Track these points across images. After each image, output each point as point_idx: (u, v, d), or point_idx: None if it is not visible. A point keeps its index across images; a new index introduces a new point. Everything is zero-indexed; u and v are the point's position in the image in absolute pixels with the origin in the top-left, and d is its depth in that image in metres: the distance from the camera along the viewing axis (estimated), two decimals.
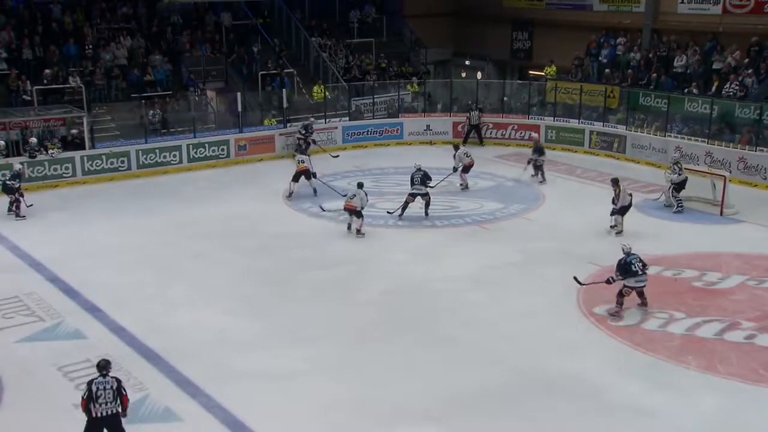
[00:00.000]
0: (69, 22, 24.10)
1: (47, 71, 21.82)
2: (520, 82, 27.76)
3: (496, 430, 9.31)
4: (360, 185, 16.50)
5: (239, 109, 22.58)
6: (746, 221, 16.88)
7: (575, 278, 12.99)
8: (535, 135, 23.55)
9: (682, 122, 21.96)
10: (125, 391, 8.50)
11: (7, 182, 17.21)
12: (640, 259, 12.25)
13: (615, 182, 16.48)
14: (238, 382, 10.29)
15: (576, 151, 23.11)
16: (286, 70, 25.40)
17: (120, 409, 8.40)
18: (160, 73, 23.89)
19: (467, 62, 31.99)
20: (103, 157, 20.47)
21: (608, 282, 12.35)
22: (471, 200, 18.60)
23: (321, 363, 10.89)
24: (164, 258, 14.79)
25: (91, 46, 23.63)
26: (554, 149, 23.15)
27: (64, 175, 19.88)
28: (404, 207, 17.20)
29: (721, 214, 17.18)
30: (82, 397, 8.38)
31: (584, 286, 12.91)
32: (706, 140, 20.79)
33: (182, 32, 25.80)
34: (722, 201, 17.28)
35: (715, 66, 22.96)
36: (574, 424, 9.45)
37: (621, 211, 16.14)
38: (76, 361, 10.80)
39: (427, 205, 17.32)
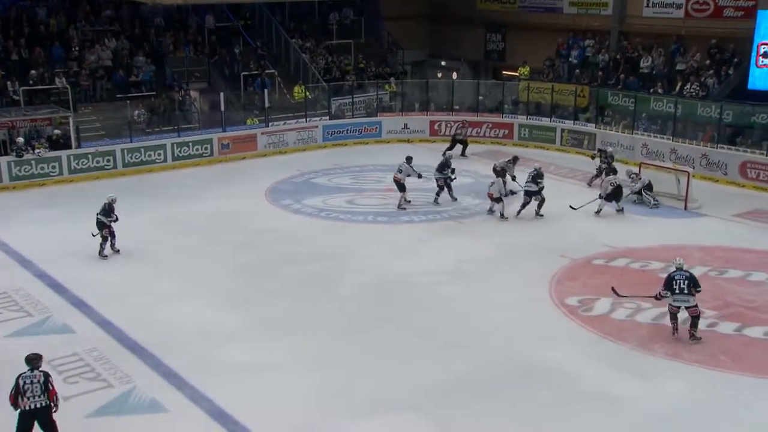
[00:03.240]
0: (54, 24, 23.79)
1: (33, 72, 21.53)
2: (494, 82, 27.83)
3: (475, 418, 9.34)
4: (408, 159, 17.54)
5: (222, 108, 22.44)
6: (709, 215, 17.10)
7: (613, 289, 12.26)
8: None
9: (649, 120, 22.17)
10: (53, 385, 8.36)
11: (99, 216, 14.42)
12: (687, 278, 11.00)
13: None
14: (222, 374, 10.24)
15: (548, 149, 23.23)
16: (267, 71, 25.27)
17: (48, 403, 8.27)
18: (145, 74, 23.67)
19: (443, 63, 32.00)
20: (89, 156, 20.24)
21: (656, 298, 11.41)
22: (448, 196, 18.62)
23: (303, 354, 10.86)
24: (150, 254, 14.67)
25: (76, 48, 23.36)
26: (527, 147, 23.35)
27: (51, 173, 19.64)
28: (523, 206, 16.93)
29: (686, 208, 17.38)
30: (10, 392, 8.26)
31: (624, 297, 12.21)
32: (671, 138, 21.01)
33: (166, 34, 25.56)
34: (686, 196, 17.49)
35: (678, 67, 23.26)
36: (550, 410, 9.52)
37: (608, 198, 16.75)
38: (64, 354, 10.69)
39: (539, 205, 16.88)
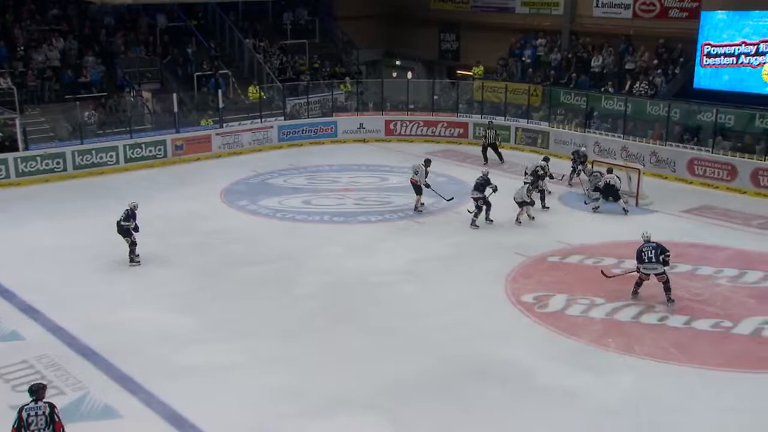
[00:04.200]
0: None
1: None
2: (448, 81, 28.00)
3: (432, 416, 9.37)
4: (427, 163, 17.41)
5: (175, 109, 22.13)
6: (659, 211, 17.45)
7: (602, 272, 13.00)
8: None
9: (600, 119, 22.55)
10: (59, 417, 7.74)
11: (122, 223, 14.10)
12: (654, 248, 12.10)
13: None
14: (178, 378, 10.10)
15: (503, 147, 23.45)
16: (221, 71, 25.01)
17: None
18: (95, 75, 23.19)
19: (398, 62, 32.11)
20: (38, 158, 19.74)
21: (638, 271, 12.32)
22: (404, 195, 18.65)
23: (260, 355, 10.78)
24: (102, 258, 14.36)
25: (21, 48, 22.75)
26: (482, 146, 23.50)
27: None
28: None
29: (637, 204, 17.69)
30: (13, 426, 7.63)
31: (611, 278, 12.85)
32: (622, 136, 21.41)
33: (116, 34, 25.09)
34: (637, 192, 17.82)
35: (627, 66, 23.70)
36: (507, 406, 9.60)
37: (605, 193, 16.94)
38: (13, 362, 10.41)
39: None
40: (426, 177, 17.36)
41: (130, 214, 14.05)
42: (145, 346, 10.99)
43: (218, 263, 14.20)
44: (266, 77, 25.59)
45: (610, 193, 17.08)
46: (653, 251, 12.10)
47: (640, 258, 12.21)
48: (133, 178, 20.25)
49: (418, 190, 17.33)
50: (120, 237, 14.05)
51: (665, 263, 12.14)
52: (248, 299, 12.69)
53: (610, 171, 17.51)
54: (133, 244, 14.05)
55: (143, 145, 21.36)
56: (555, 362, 10.63)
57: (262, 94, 24.39)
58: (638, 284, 12.48)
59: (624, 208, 17.13)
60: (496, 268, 13.82)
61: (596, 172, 18.02)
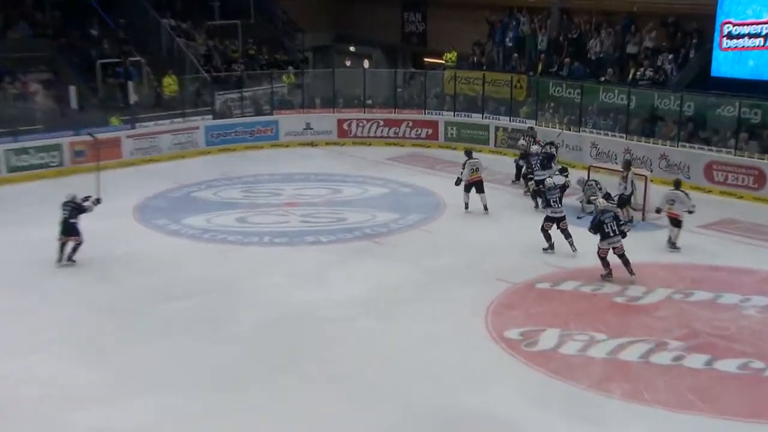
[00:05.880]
0: None
1: None
2: (414, 71, 28.18)
3: None
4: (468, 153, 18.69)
5: (74, 105, 21.90)
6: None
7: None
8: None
9: (598, 115, 22.85)
10: None
11: (70, 220, 15.36)
12: (614, 217, 14.13)
13: (626, 165, 17.70)
14: None
15: (480, 150, 23.55)
16: (131, 59, 24.81)
17: None
18: None
19: (352, 48, 32.29)
20: None
21: (657, 212, 15.90)
22: (361, 211, 18.73)
23: (182, 413, 10.58)
24: None
25: None
26: (455, 149, 23.65)
27: None
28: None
29: (643, 219, 17.92)
30: None
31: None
32: (624, 135, 21.72)
33: None
34: (644, 204, 18.02)
35: (630, 50, 24.01)
36: None
37: (620, 203, 17.06)
38: None
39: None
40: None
41: (75, 207, 15.11)
42: (33, 404, 10.73)
43: (129, 298, 14.03)
44: (189, 66, 25.47)
45: (623, 203, 17.34)
46: (614, 221, 14.11)
47: (601, 230, 14.11)
48: (18, 192, 20.00)
49: (479, 188, 18.34)
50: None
51: (623, 234, 14.22)
52: (166, 342, 12.50)
53: (658, 211, 16.78)
54: (78, 245, 15.06)
55: (32, 151, 21.18)
56: (547, 412, 10.63)
57: (182, 87, 24.18)
58: (607, 260, 14.35)
59: (626, 220, 17.34)
60: (474, 298, 13.84)
61: (591, 181, 18.28)
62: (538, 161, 18.97)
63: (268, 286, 14.59)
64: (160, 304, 13.80)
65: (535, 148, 19.44)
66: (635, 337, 12.54)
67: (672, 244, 16.20)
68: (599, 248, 14.37)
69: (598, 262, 15.06)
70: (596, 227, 14.31)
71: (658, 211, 16.45)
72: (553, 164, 19.04)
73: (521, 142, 20.72)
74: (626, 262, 14.38)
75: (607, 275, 14.51)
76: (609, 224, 14.18)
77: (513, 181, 20.71)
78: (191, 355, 12.14)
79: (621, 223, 14.37)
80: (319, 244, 16.81)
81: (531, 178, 19.11)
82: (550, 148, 19.83)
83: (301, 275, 15.11)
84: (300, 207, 19.15)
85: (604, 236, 14.20)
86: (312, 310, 13.58)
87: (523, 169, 20.01)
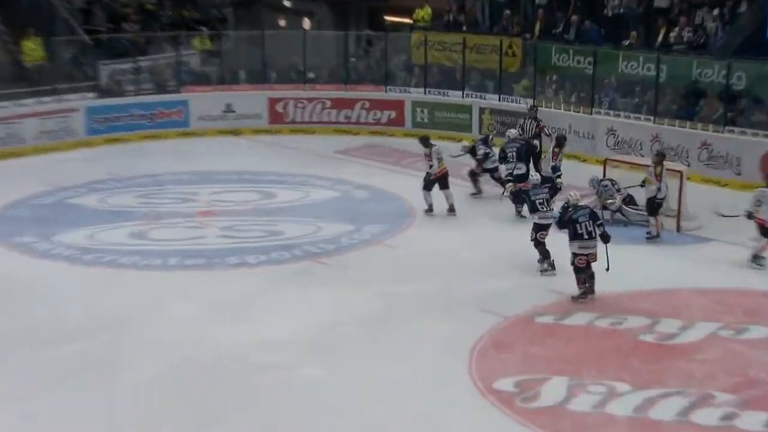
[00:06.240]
0: None
1: None
2: (371, 33, 28.13)
3: None
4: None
5: None
6: (715, 239, 17.61)
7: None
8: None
9: (617, 91, 22.83)
10: None
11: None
12: (590, 215, 14.39)
13: (659, 158, 17.89)
14: None
15: (460, 140, 23.49)
16: None
17: None
18: None
19: (287, 3, 32.23)
20: None
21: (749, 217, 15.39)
22: (301, 221, 18.65)
23: None
24: None
25: None
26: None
27: None
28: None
29: (678, 229, 17.91)
30: None
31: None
32: (652, 118, 21.75)
33: None
34: (679, 210, 17.97)
35: (658, 4, 24.04)
36: None
37: (651, 208, 17.38)
38: None
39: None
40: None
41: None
42: None
43: None
44: (61, 25, 25.21)
45: (655, 209, 17.45)
46: (591, 221, 14.30)
47: (574, 232, 14.29)
48: None
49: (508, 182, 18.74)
50: None
51: (605, 238, 14.36)
52: (46, 396, 12.20)
53: (749, 216, 16.57)
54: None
55: None
56: None
57: (50, 53, 23.86)
58: (585, 272, 14.53)
59: (649, 232, 17.38)
60: (452, 335, 13.70)
61: (607, 180, 18.37)
62: (514, 151, 18.96)
63: (175, 321, 14.40)
64: (26, 349, 13.49)
65: (512, 132, 19.70)
66: (669, 389, 12.35)
67: (757, 259, 16.11)
68: (574, 255, 14.48)
69: (618, 286, 15.01)
70: (565, 224, 14.54)
71: (750, 216, 16.22)
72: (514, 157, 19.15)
73: (515, 129, 20.57)
74: (590, 276, 14.63)
75: (582, 295, 14.69)
76: (584, 224, 14.35)
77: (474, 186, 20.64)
78: (77, 412, 11.83)
79: (599, 223, 14.51)
80: (247, 266, 16.73)
81: (509, 179, 18.99)
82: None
83: (221, 307, 14.93)
84: (219, 217, 19.09)
85: (576, 236, 14.37)
86: (236, 353, 13.35)
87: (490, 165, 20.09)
